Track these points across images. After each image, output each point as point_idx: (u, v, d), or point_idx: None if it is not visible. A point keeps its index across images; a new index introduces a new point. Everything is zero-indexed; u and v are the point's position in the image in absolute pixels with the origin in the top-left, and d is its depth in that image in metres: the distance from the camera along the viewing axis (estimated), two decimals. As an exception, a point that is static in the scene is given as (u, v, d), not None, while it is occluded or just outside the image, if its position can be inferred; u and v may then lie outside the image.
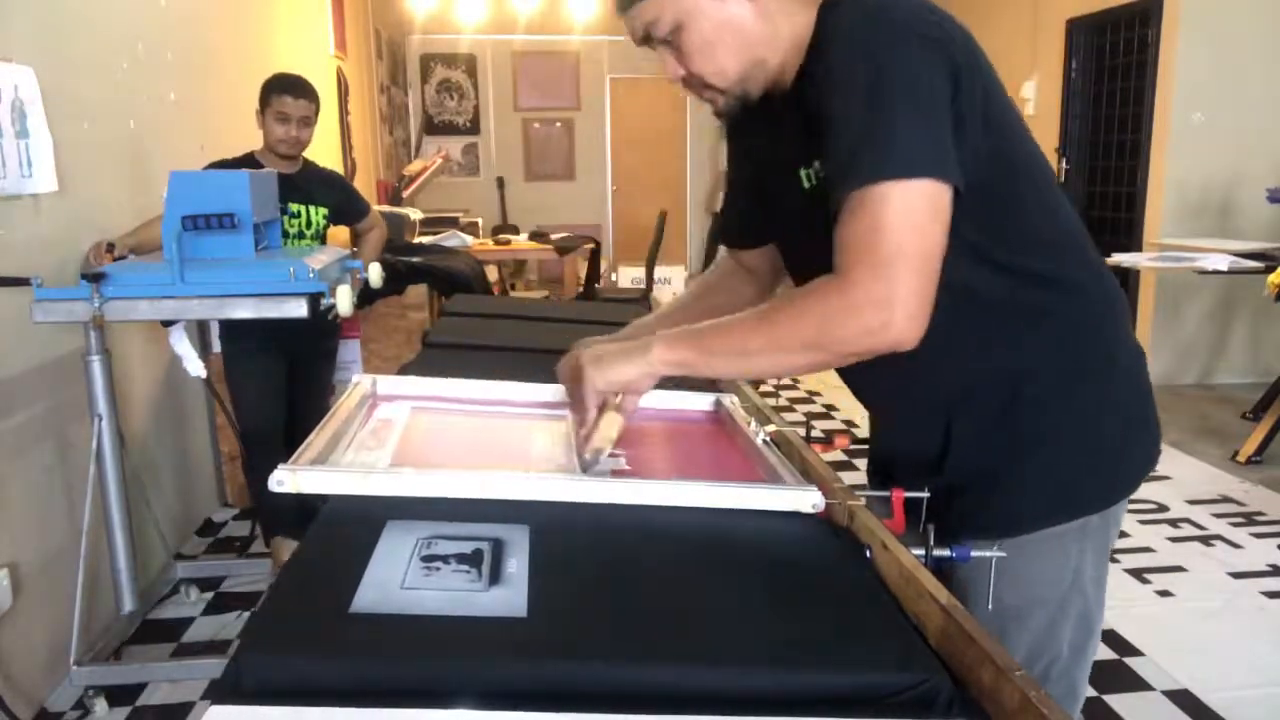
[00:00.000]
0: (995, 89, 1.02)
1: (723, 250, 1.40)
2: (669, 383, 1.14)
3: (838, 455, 3.64)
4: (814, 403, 4.96)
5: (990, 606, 1.03)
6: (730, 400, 1.36)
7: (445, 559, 0.85)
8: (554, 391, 1.29)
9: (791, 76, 1.06)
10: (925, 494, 1.07)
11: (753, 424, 1.25)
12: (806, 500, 1.02)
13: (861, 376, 1.15)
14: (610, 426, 1.07)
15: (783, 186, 1.11)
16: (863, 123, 0.94)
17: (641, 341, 1.06)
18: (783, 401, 4.90)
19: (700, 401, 1.39)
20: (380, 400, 1.30)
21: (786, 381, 5.07)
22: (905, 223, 0.92)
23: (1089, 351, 1.09)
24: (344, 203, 2.96)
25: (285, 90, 2.68)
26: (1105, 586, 1.14)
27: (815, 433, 1.43)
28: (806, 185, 1.07)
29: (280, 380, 2.80)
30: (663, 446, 1.27)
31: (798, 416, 4.68)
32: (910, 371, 1.02)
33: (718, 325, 1.04)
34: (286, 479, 0.97)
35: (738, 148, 1.26)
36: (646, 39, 1.05)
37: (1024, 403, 1.07)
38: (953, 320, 0.98)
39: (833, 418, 4.69)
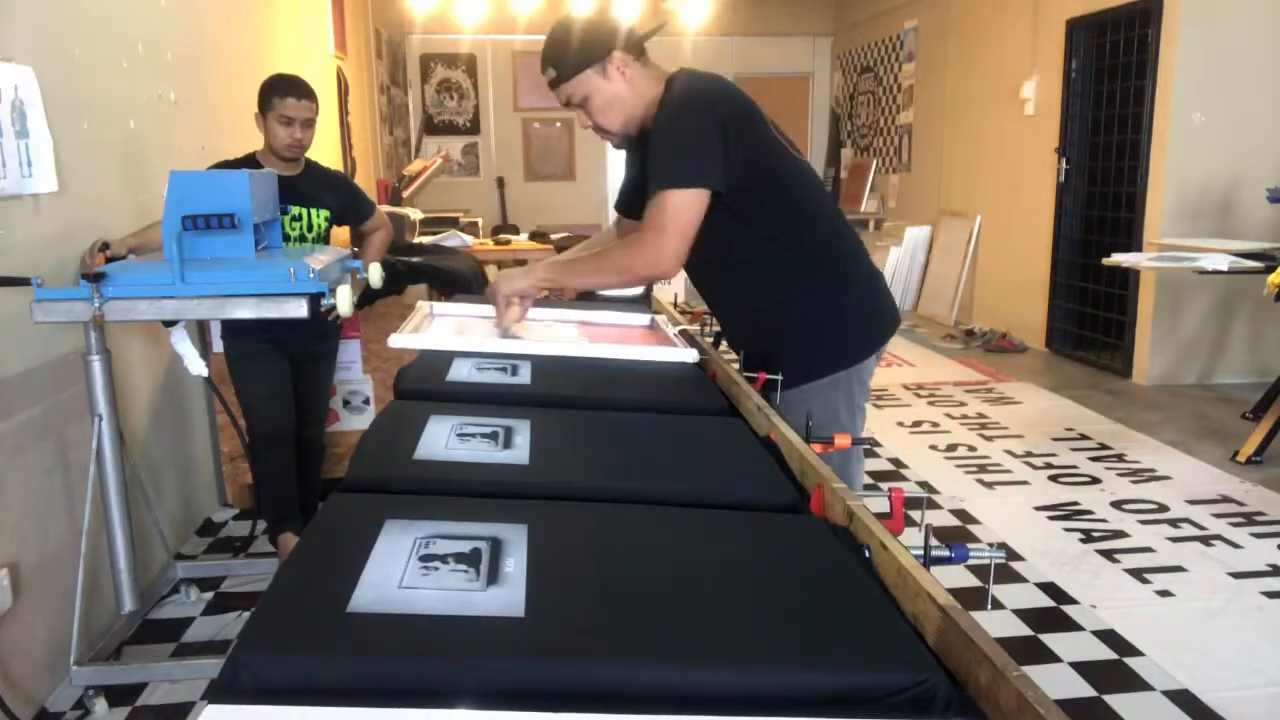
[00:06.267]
0: (766, 132, 1.74)
1: (611, 220, 2.17)
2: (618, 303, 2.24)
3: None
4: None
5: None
6: (661, 318, 2.08)
7: (443, 558, 0.85)
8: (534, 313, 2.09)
9: (650, 121, 1.77)
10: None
11: (672, 328, 1.97)
12: (687, 356, 1.72)
13: (719, 303, 1.96)
14: (513, 314, 1.83)
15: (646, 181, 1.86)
16: (660, 152, 1.68)
17: (531, 265, 1.85)
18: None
19: (642, 319, 2.11)
20: (436, 315, 2.07)
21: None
22: (673, 214, 1.66)
23: (834, 285, 1.81)
24: (348, 204, 2.91)
25: (288, 92, 2.62)
26: (863, 415, 1.90)
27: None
28: None
29: (287, 380, 2.79)
30: (608, 335, 1.95)
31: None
32: (744, 294, 1.83)
33: (576, 260, 1.88)
34: (398, 340, 1.69)
35: (631, 158, 1.96)
36: (568, 103, 1.80)
37: (799, 309, 1.80)
38: (764, 267, 1.78)
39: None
